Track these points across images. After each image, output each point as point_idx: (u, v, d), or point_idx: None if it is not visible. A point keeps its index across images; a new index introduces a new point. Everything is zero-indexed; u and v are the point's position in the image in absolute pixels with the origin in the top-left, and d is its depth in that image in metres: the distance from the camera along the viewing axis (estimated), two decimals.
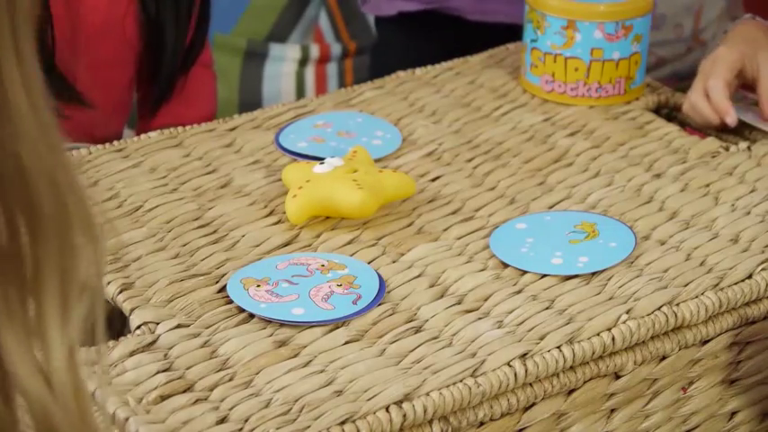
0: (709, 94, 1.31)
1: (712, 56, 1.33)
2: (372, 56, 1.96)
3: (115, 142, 1.30)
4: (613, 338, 1.00)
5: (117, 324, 1.05)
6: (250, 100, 2.33)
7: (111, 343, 0.98)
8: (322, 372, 0.95)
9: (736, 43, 1.32)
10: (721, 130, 1.34)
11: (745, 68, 1.32)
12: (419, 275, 1.07)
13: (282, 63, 2.36)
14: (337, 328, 1.00)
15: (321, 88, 2.37)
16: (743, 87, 1.35)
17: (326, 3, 2.39)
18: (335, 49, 2.38)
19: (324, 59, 2.38)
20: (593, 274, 1.08)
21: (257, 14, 2.37)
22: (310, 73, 2.37)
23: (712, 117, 1.32)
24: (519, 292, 1.05)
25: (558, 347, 0.98)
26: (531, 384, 0.98)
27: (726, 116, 1.30)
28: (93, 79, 1.44)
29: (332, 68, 2.39)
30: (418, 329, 1.00)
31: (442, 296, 1.05)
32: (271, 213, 1.17)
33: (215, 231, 1.14)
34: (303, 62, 2.36)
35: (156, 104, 1.52)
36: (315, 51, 2.37)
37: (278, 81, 2.36)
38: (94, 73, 1.44)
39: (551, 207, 1.19)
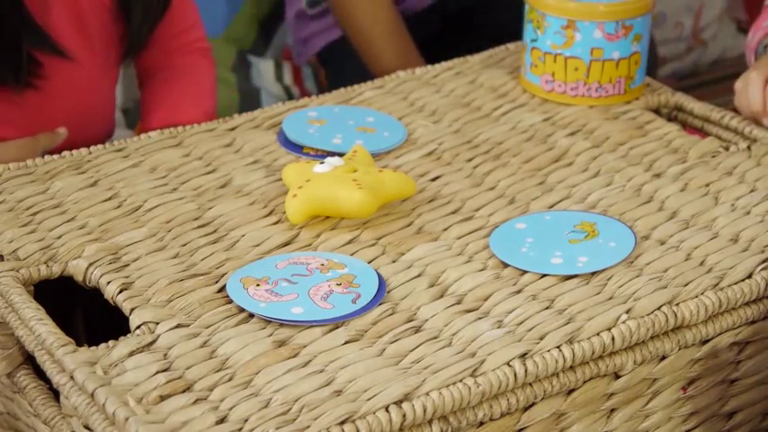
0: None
1: None
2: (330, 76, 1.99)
3: (115, 142, 1.30)
4: (613, 338, 1.00)
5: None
6: (250, 103, 2.34)
7: (111, 343, 0.98)
8: (321, 372, 0.95)
9: None
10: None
11: None
12: (419, 275, 1.07)
13: (264, 80, 2.38)
14: (337, 327, 1.00)
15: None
16: None
17: None
18: (306, 72, 2.41)
19: (298, 77, 2.40)
20: (593, 273, 1.08)
21: (245, 23, 2.39)
22: (296, 93, 2.39)
23: (746, 107, 1.29)
24: (519, 291, 1.05)
25: (558, 347, 0.98)
26: (530, 384, 0.98)
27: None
28: (71, 32, 1.44)
29: (313, 90, 2.41)
30: (418, 329, 1.01)
31: (441, 296, 1.05)
32: (271, 213, 1.17)
33: (215, 231, 1.14)
34: (281, 82, 2.38)
35: (129, 53, 1.52)
36: (287, 72, 2.40)
37: (270, 98, 2.37)
38: (71, 24, 1.44)
39: (551, 207, 1.19)
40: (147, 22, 1.49)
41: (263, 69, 2.38)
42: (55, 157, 1.27)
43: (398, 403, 0.92)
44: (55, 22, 1.42)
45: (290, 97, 2.37)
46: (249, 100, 2.35)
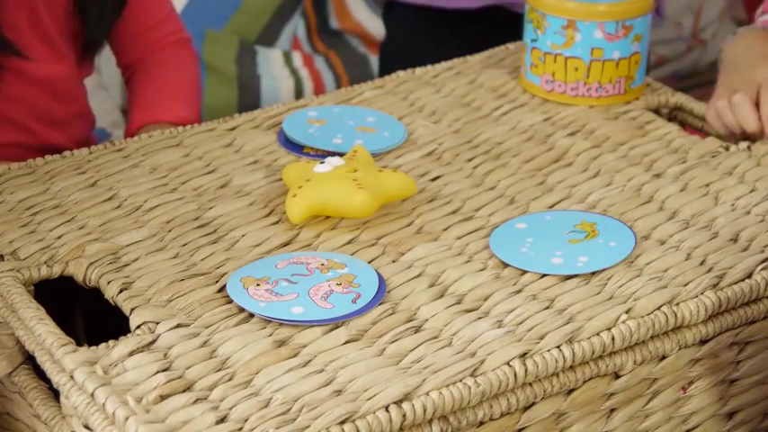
0: (737, 109, 1.30)
1: (745, 97, 1.30)
2: (387, 50, 1.90)
3: (115, 142, 1.30)
4: (613, 338, 1.00)
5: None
6: (249, 100, 2.34)
7: (111, 343, 0.98)
8: (321, 371, 0.95)
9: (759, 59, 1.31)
10: (745, 138, 1.32)
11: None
12: (419, 275, 1.07)
13: (271, 66, 2.38)
14: (337, 327, 1.00)
15: (319, 89, 2.39)
16: None
17: (306, 14, 2.43)
18: (318, 58, 2.41)
19: (308, 60, 2.40)
20: (593, 273, 1.08)
21: (249, 16, 2.39)
22: (305, 74, 2.39)
23: (737, 128, 1.31)
24: (519, 291, 1.05)
25: (558, 347, 0.98)
26: (530, 384, 0.98)
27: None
28: (26, 29, 1.43)
29: (323, 69, 2.41)
30: (418, 329, 1.01)
31: (441, 296, 1.05)
32: (271, 213, 1.17)
33: (215, 231, 1.14)
34: (289, 66, 2.39)
35: (89, 50, 1.50)
36: (297, 58, 2.40)
37: (275, 82, 2.37)
38: (25, 21, 1.43)
39: (551, 207, 1.19)
40: (105, 17, 1.48)
41: (272, 57, 2.39)
42: (55, 156, 1.27)
43: (398, 403, 0.92)
44: (9, 20, 1.41)
45: (298, 80, 2.37)
46: (248, 93, 2.35)
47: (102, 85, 2.21)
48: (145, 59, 1.57)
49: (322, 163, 1.17)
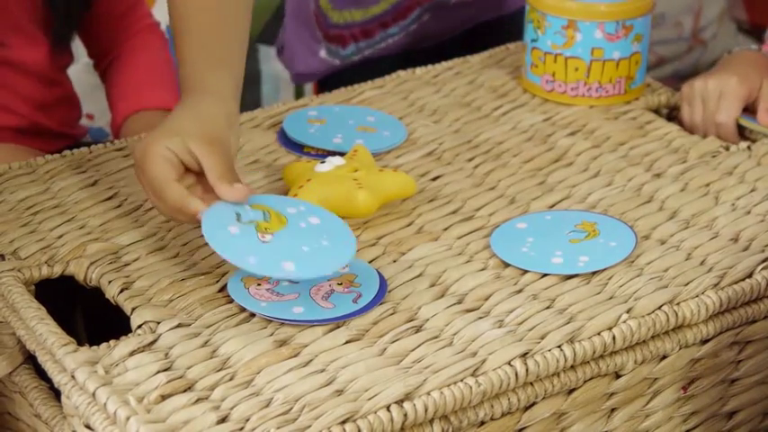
0: (720, 130, 1.34)
1: (720, 85, 1.34)
2: None
3: (116, 141, 1.30)
4: (614, 338, 1.00)
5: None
6: (249, 97, 2.35)
7: (111, 342, 0.98)
8: (322, 371, 0.95)
9: (745, 78, 1.34)
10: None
11: (750, 98, 1.34)
12: (420, 275, 1.07)
13: (272, 63, 2.38)
14: (338, 327, 1.00)
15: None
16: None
17: None
18: None
19: None
20: (594, 273, 1.08)
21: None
22: None
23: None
24: (519, 291, 1.05)
25: (559, 347, 0.98)
26: (531, 384, 0.98)
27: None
28: None
29: None
30: (419, 329, 1.01)
31: (442, 296, 1.05)
32: None
33: None
34: None
35: (61, 37, 1.50)
36: None
37: (276, 78, 2.37)
38: None
39: (552, 207, 1.19)
40: (72, 3, 1.48)
41: (273, 53, 2.39)
42: (55, 156, 1.27)
43: (399, 403, 0.92)
44: None
45: (299, 90, 2.38)
46: (249, 89, 2.36)
47: (101, 86, 2.21)
48: (118, 47, 1.56)
49: (323, 162, 1.17)
